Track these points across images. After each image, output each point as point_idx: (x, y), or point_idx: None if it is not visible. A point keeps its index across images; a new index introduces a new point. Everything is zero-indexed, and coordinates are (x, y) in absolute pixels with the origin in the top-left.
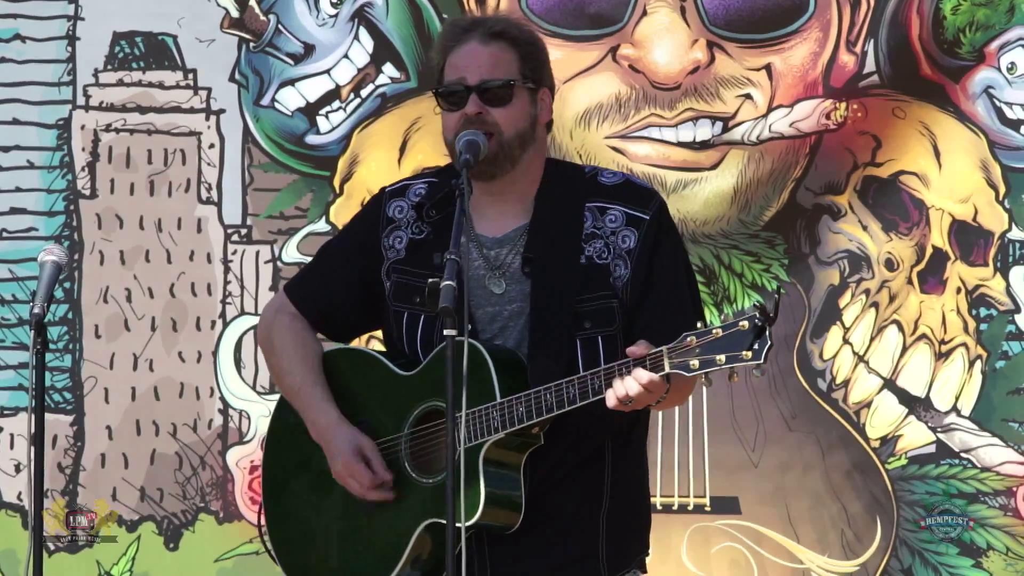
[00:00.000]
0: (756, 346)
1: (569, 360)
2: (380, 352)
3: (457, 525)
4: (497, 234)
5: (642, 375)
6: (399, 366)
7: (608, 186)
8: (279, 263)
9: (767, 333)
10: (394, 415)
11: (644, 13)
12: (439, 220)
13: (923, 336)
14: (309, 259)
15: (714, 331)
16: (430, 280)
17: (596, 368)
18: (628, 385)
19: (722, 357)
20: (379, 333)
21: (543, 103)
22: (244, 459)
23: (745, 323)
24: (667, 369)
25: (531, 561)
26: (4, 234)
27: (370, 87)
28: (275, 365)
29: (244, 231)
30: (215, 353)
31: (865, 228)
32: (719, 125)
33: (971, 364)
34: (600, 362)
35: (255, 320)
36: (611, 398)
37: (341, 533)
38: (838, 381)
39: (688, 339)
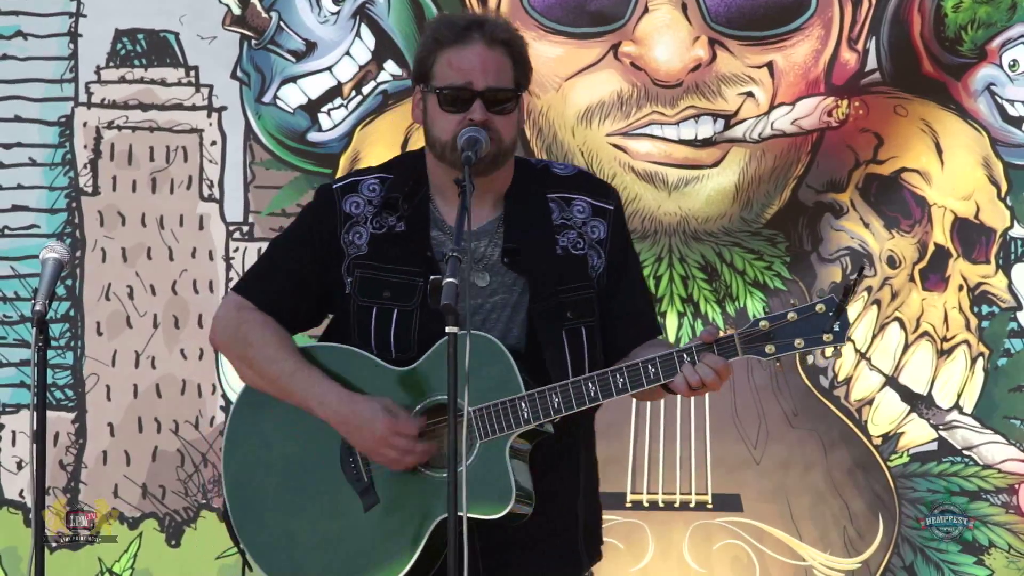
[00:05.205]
0: (837, 327)
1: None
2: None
3: (482, 517)
4: (472, 227)
5: (716, 361)
6: (388, 362)
7: (564, 177)
8: None
9: (847, 314)
10: None
11: (645, 10)
12: (407, 214)
13: (925, 333)
14: None
15: (789, 315)
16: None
17: (592, 357)
18: (702, 371)
19: (800, 341)
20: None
21: (522, 105)
22: None
23: (822, 306)
24: (740, 355)
25: (518, 553)
26: (6, 231)
27: (372, 84)
28: (254, 358)
29: (246, 228)
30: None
31: (867, 226)
32: (721, 122)
33: (973, 361)
34: (583, 353)
35: None
36: (681, 384)
37: (335, 535)
38: (840, 378)
39: (761, 323)
